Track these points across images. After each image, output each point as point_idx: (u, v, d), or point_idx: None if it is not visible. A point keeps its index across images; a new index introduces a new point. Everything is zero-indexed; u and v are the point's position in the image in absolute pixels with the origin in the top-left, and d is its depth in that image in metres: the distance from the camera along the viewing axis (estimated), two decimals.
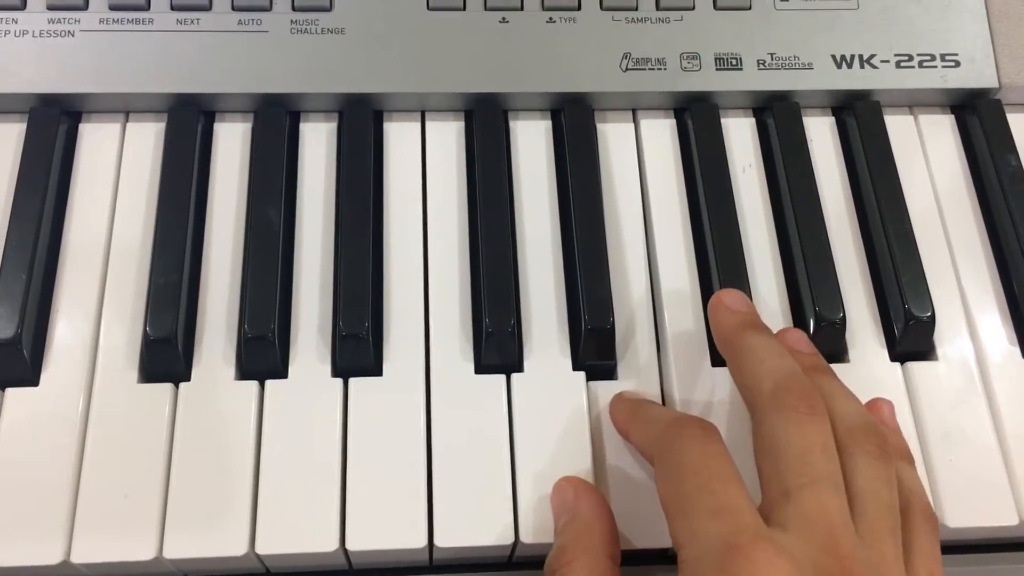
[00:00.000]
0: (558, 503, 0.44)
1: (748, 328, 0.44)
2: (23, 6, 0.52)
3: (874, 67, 0.54)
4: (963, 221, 0.53)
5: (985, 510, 0.45)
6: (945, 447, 0.47)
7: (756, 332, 0.44)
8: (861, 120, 0.54)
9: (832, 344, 0.49)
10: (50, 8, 0.52)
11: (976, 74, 0.55)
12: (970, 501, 0.46)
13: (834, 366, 0.48)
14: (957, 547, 0.48)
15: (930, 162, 0.55)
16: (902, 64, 0.55)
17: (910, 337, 0.49)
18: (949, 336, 0.50)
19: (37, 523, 0.43)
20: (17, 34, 0.51)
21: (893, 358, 0.49)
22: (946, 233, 0.52)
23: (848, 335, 0.49)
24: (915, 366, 0.48)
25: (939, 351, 0.49)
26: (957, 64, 0.55)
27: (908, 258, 0.50)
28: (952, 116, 0.56)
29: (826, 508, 0.36)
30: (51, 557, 0.42)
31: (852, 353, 0.49)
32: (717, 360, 0.48)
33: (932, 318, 0.48)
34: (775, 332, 0.46)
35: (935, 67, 0.55)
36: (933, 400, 0.48)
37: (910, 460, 0.44)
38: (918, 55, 0.55)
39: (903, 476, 0.42)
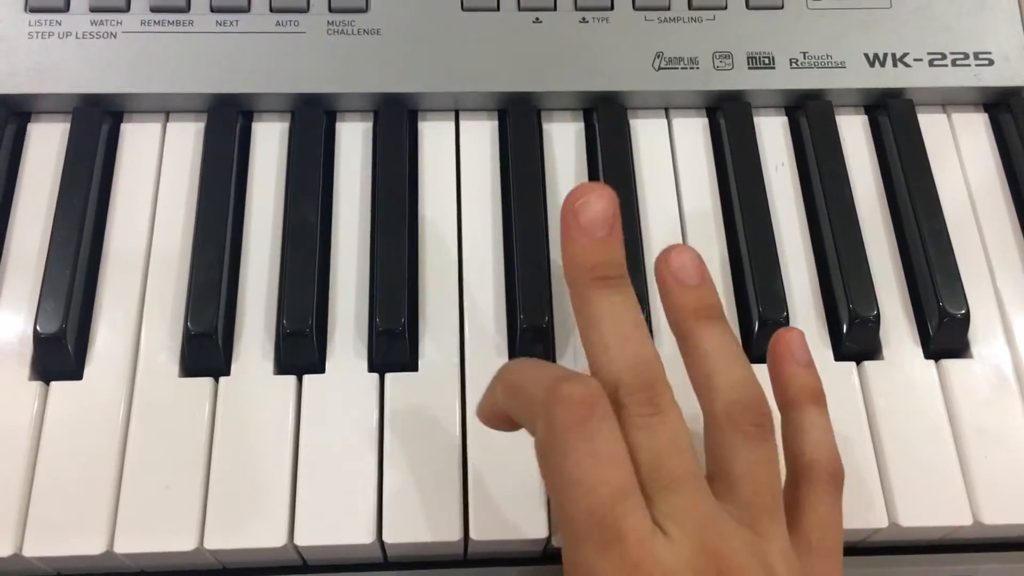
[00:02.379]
0: (507, 404, 0.38)
1: (600, 290, 0.38)
2: (66, 8, 0.53)
3: (907, 66, 0.55)
4: (997, 219, 0.53)
5: (1021, 507, 0.45)
6: (980, 444, 0.47)
7: (609, 292, 0.38)
8: (894, 118, 0.54)
9: (866, 341, 0.49)
10: (92, 10, 0.53)
11: (1010, 72, 0.55)
12: (1006, 498, 0.45)
13: (868, 364, 0.48)
14: (993, 544, 0.48)
15: (964, 160, 0.54)
16: (935, 63, 0.55)
17: (944, 335, 0.49)
18: (983, 334, 0.49)
19: (81, 514, 0.44)
20: (61, 36, 0.52)
21: (928, 356, 0.49)
22: (980, 231, 0.52)
23: (882, 333, 0.49)
24: (949, 364, 0.48)
25: (973, 349, 0.49)
26: (991, 62, 0.55)
27: (942, 256, 0.50)
28: (986, 115, 0.56)
29: (690, 507, 0.35)
30: (94, 548, 0.43)
31: (886, 351, 0.49)
32: (751, 356, 0.48)
33: (967, 315, 0.48)
34: (673, 251, 0.40)
35: (968, 65, 0.55)
36: (968, 398, 0.48)
37: (818, 400, 0.41)
38: (951, 53, 0.55)
39: (807, 426, 0.40)
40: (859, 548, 0.49)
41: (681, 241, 0.51)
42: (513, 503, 0.44)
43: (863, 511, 0.45)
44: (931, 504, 0.46)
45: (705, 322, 0.39)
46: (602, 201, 0.38)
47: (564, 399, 0.35)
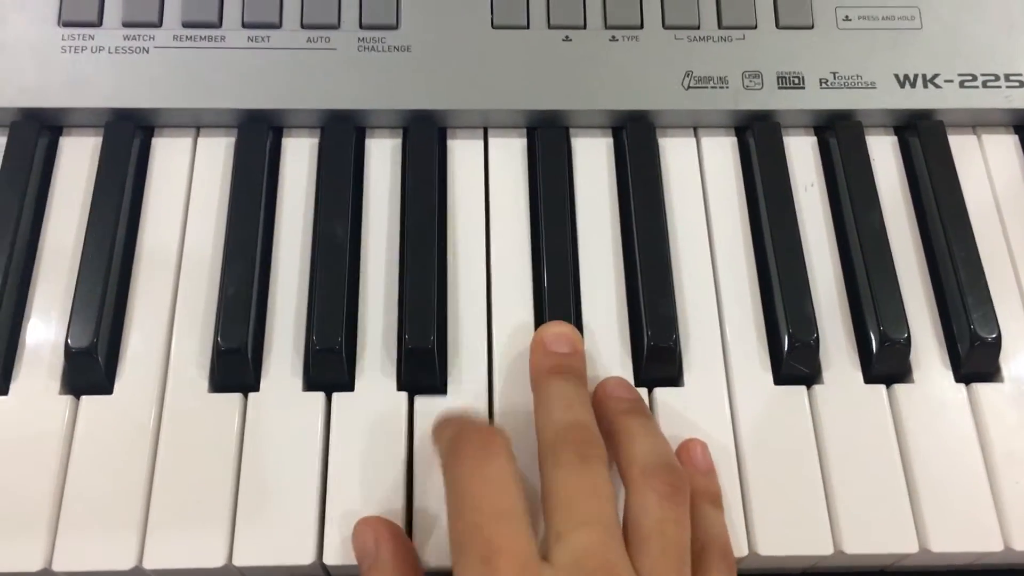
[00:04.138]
0: (359, 547, 0.43)
1: (553, 375, 0.44)
2: (99, 23, 0.53)
3: (937, 87, 0.54)
4: None
5: None
6: (1010, 469, 0.46)
7: (558, 380, 0.44)
8: (924, 140, 0.54)
9: (896, 364, 0.48)
10: (125, 25, 0.53)
11: None
12: None
13: (898, 386, 0.48)
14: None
15: (994, 182, 0.54)
16: (966, 84, 0.55)
17: (975, 358, 0.48)
18: (1015, 357, 0.49)
19: (110, 529, 0.44)
20: (94, 50, 0.53)
21: (958, 379, 0.49)
22: (1010, 253, 0.52)
23: (912, 356, 0.49)
24: (980, 387, 0.48)
25: (1004, 372, 0.49)
26: (1022, 84, 0.55)
27: (973, 278, 0.50)
28: (1016, 136, 0.56)
29: (594, 547, 0.37)
30: (124, 563, 0.43)
31: (917, 374, 0.49)
32: (780, 377, 0.48)
33: (998, 339, 0.48)
34: (606, 378, 0.46)
35: (999, 87, 0.54)
36: (999, 422, 0.47)
37: (716, 502, 0.44)
38: (982, 75, 0.55)
39: (705, 518, 0.43)
40: (887, 573, 0.49)
41: (710, 259, 0.51)
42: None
43: (892, 535, 0.45)
44: (961, 529, 0.45)
45: (630, 414, 0.44)
46: (563, 328, 0.46)
47: (466, 436, 0.40)
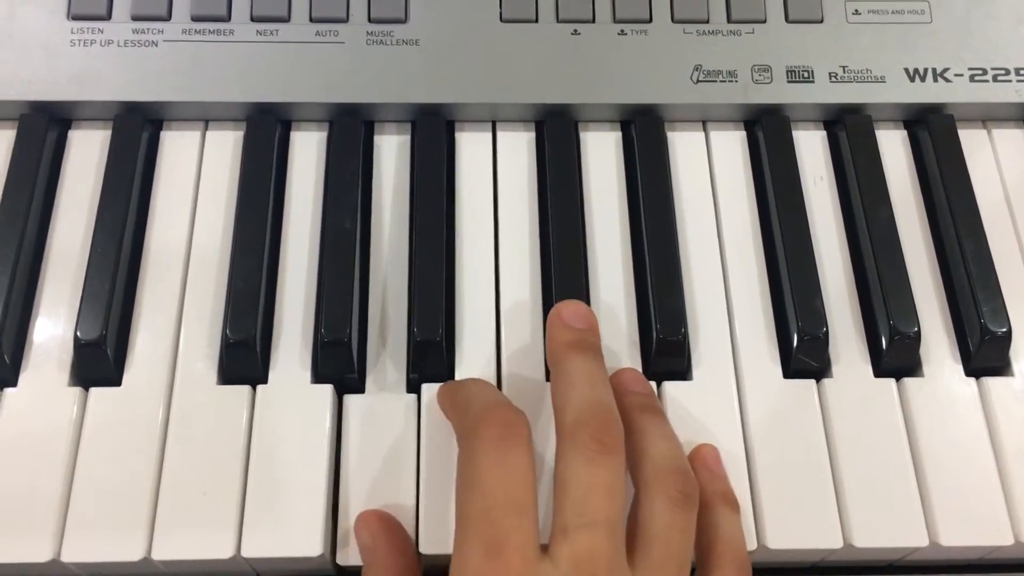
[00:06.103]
0: (359, 544, 0.43)
1: (574, 349, 0.43)
2: (108, 16, 0.53)
3: (948, 81, 0.54)
4: None
5: None
6: (1021, 463, 0.46)
7: (580, 355, 0.43)
8: (935, 134, 0.53)
9: (907, 358, 0.48)
10: (134, 18, 0.53)
11: None
12: None
13: (908, 380, 0.48)
14: None
15: (1004, 176, 0.54)
16: (976, 78, 0.54)
17: (985, 352, 0.48)
18: None
19: (118, 520, 0.44)
20: (102, 43, 0.53)
21: (968, 373, 0.48)
22: (1021, 247, 0.52)
23: (922, 350, 0.48)
24: (990, 381, 0.48)
25: (1015, 366, 0.49)
26: None
27: (983, 272, 0.49)
28: None
29: (596, 553, 0.37)
30: (132, 554, 0.43)
31: (927, 368, 0.48)
32: (789, 371, 0.48)
33: (1008, 333, 0.48)
34: (622, 369, 0.46)
35: (1010, 81, 0.54)
36: (1009, 416, 0.47)
37: (732, 506, 0.44)
38: (992, 69, 0.54)
39: (722, 523, 0.43)
40: (896, 567, 0.48)
41: (719, 253, 0.51)
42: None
43: (902, 529, 0.45)
44: (972, 523, 0.45)
45: (646, 412, 0.44)
46: (579, 306, 0.45)
47: (491, 417, 0.39)
